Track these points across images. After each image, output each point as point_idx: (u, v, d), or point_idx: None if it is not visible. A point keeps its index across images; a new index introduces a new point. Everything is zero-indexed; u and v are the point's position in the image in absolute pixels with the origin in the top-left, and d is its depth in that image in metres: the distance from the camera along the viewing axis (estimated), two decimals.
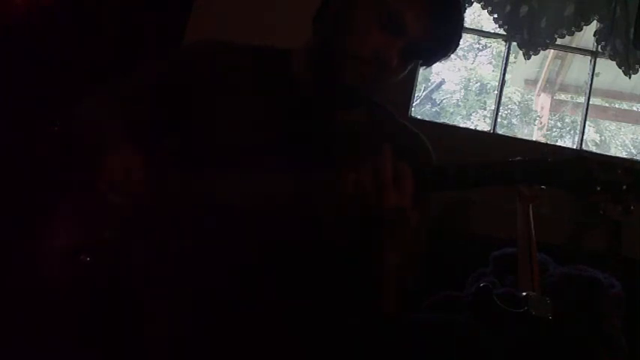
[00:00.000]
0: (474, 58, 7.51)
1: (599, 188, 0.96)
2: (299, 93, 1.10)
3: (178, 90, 1.10)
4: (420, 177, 0.95)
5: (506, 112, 6.73)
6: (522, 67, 5.26)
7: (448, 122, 5.97)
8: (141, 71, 1.17)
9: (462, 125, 5.54)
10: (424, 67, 1.16)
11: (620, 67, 2.60)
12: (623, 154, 6.43)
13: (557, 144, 5.32)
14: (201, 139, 1.06)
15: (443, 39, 1.07)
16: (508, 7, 2.61)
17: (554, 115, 6.00)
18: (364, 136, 1.11)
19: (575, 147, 2.76)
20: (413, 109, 2.66)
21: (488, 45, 7.22)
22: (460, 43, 1.10)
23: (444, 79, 7.14)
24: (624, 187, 0.95)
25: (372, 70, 1.03)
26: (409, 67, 1.09)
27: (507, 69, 2.89)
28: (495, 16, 2.63)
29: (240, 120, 1.07)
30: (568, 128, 6.42)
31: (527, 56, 2.65)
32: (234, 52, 1.15)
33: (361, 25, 1.03)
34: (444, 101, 7.20)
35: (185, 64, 1.13)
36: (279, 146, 1.04)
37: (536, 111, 6.35)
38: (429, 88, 6.71)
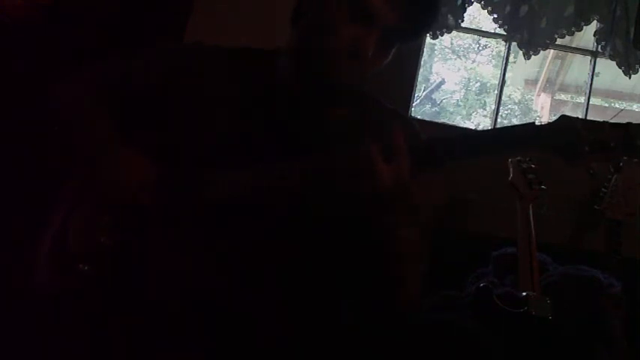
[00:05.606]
0: (474, 58, 7.52)
1: (587, 148, 0.96)
2: (285, 92, 1.10)
3: (162, 92, 1.10)
4: (414, 153, 0.96)
5: (506, 111, 6.73)
6: (522, 67, 5.27)
7: (448, 122, 5.96)
8: (125, 70, 1.17)
9: (462, 125, 5.53)
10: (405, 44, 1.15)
11: (620, 67, 2.59)
12: None
13: None
14: (185, 141, 1.06)
15: (417, 17, 1.07)
16: (508, 7, 2.61)
17: (555, 115, 5.98)
18: (352, 129, 1.11)
19: None
20: (413, 109, 2.66)
21: (488, 45, 7.22)
22: (437, 18, 1.09)
23: (444, 79, 7.14)
24: (612, 144, 0.96)
25: (351, 64, 1.04)
26: (392, 52, 1.10)
27: (507, 69, 2.89)
28: (495, 16, 2.62)
29: (226, 121, 1.07)
30: None
31: (527, 56, 2.65)
32: (220, 54, 1.16)
33: (333, 21, 1.04)
34: (444, 101, 7.20)
35: (171, 68, 1.13)
36: (267, 146, 1.04)
37: (536, 111, 6.35)
38: (429, 88, 6.70)
